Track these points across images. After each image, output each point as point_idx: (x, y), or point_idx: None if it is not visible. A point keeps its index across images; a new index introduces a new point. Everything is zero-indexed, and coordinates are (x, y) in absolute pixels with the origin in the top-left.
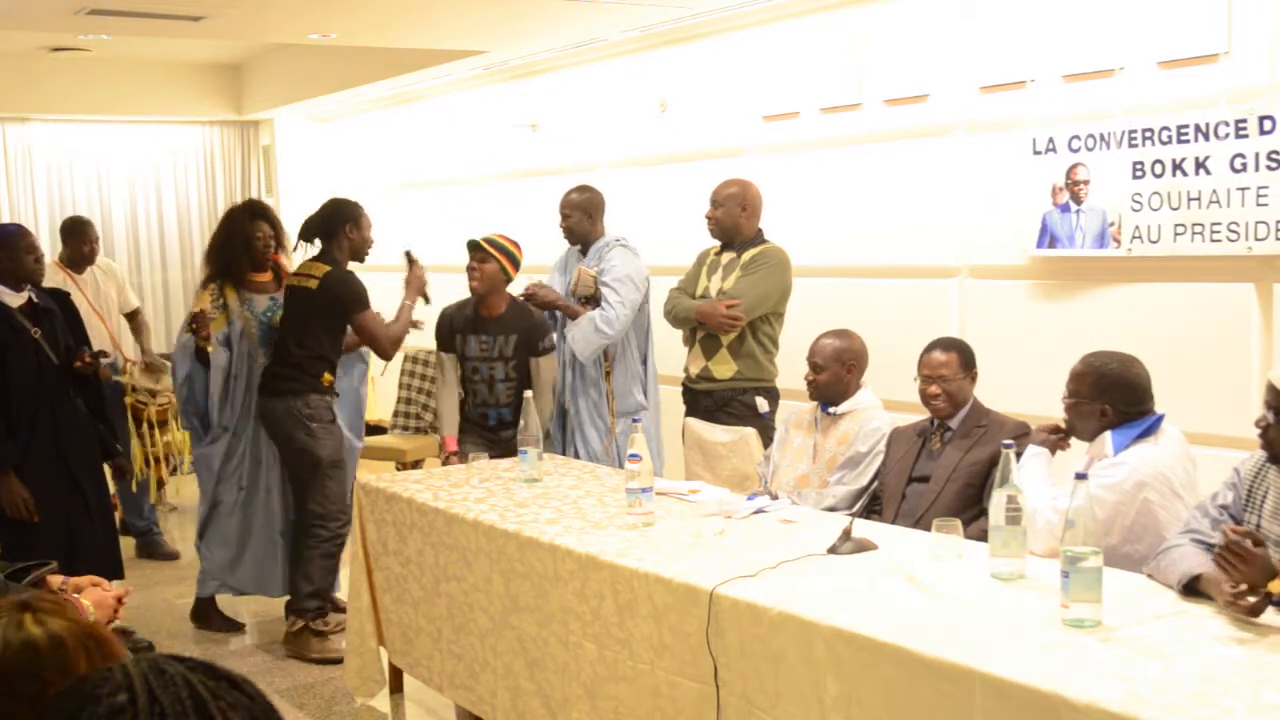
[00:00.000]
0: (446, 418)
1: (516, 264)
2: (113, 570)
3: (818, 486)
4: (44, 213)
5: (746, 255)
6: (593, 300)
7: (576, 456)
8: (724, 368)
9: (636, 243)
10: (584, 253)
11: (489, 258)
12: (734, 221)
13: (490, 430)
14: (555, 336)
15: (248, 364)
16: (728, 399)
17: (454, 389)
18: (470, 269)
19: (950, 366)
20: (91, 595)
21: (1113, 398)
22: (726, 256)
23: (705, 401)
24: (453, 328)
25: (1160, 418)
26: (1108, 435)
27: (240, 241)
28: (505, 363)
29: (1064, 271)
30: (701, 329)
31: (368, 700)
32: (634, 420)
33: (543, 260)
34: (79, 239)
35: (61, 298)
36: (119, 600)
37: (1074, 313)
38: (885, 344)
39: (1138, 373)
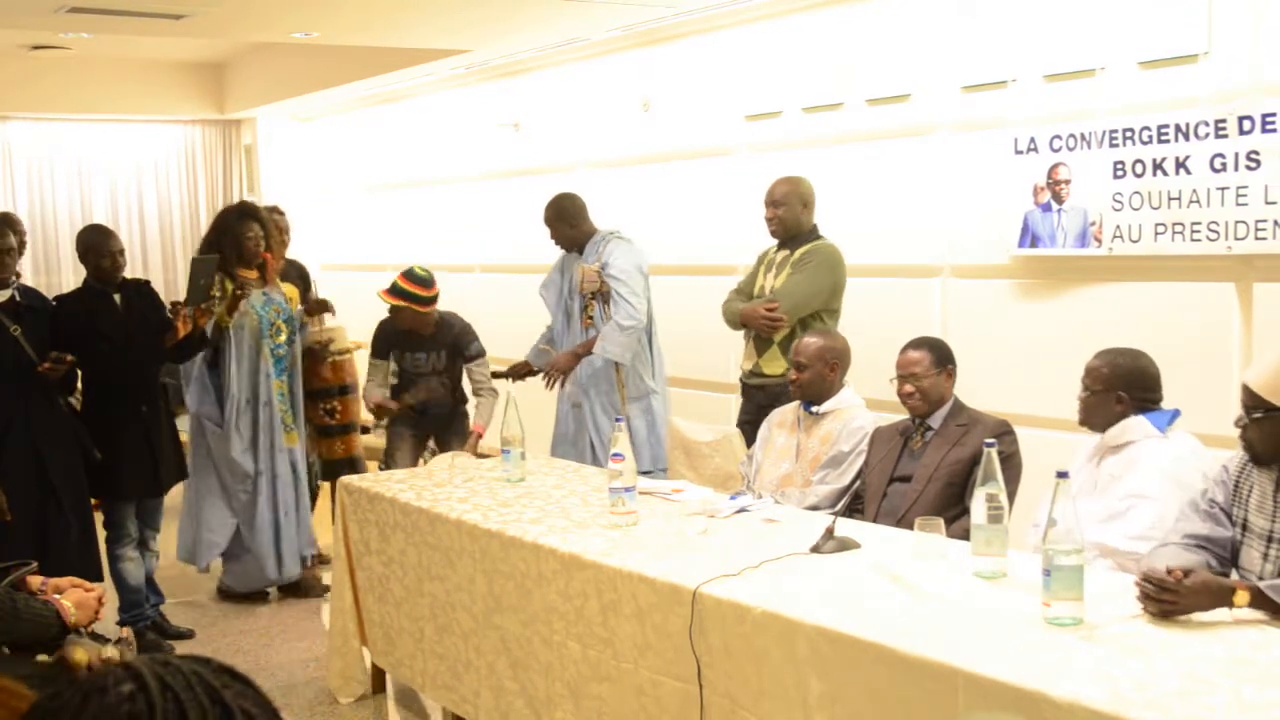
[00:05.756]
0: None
1: (425, 300)
2: (89, 573)
3: (800, 486)
4: (24, 212)
5: (798, 253)
6: (600, 294)
7: (591, 446)
8: (774, 364)
9: (627, 233)
10: (580, 252)
11: (398, 308)
12: (796, 218)
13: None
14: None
15: (252, 350)
16: (778, 393)
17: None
18: (393, 311)
19: (922, 364)
20: (73, 596)
21: (1126, 386)
22: (782, 254)
23: (758, 397)
24: (389, 342)
25: (1177, 412)
26: (1137, 420)
27: (230, 241)
28: (438, 376)
29: (1045, 271)
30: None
31: (349, 701)
32: (617, 420)
33: (530, 259)
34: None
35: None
36: (100, 601)
37: (1055, 312)
38: (868, 343)
39: (1146, 364)
